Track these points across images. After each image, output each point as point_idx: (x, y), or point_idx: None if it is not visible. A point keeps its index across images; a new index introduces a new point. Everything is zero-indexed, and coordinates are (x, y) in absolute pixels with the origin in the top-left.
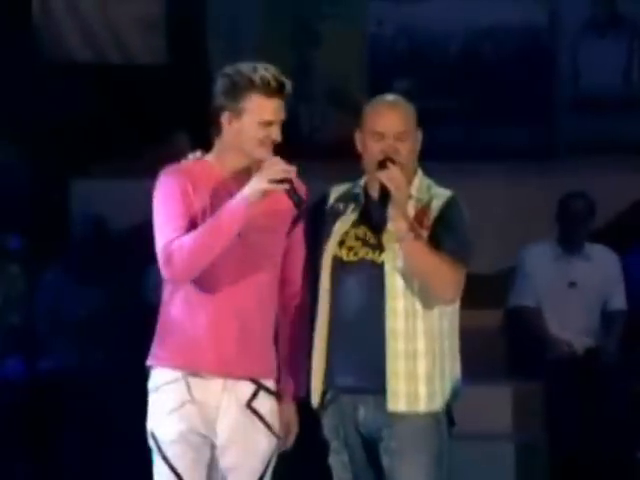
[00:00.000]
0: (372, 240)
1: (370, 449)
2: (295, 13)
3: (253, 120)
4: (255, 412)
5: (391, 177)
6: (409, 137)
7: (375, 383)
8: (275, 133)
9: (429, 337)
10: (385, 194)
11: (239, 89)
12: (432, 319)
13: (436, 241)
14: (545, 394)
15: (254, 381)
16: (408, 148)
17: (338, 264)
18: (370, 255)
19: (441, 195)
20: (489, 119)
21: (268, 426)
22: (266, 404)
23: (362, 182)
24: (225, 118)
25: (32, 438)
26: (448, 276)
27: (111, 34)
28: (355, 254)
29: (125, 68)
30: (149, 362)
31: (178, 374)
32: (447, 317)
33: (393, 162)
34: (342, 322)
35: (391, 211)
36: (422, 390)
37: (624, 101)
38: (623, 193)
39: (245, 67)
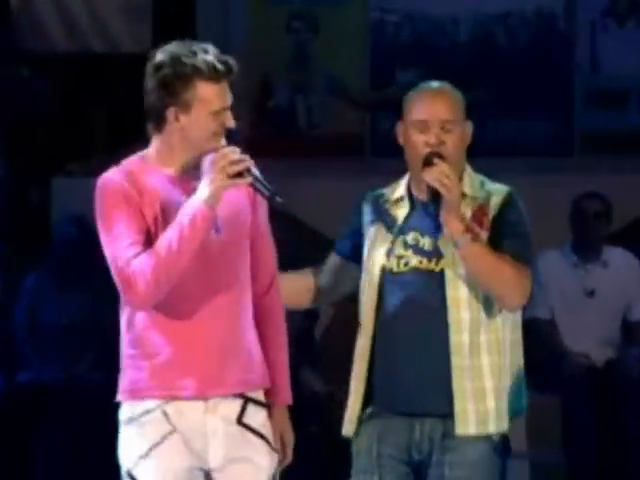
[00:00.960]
0: (426, 247)
1: (417, 473)
2: None
3: (204, 111)
4: (248, 427)
5: (438, 176)
6: (456, 127)
7: (437, 404)
8: (229, 120)
9: (493, 350)
10: (435, 195)
11: (183, 79)
12: (496, 330)
13: (496, 242)
14: (562, 409)
15: (240, 395)
16: (455, 140)
17: (387, 276)
18: (425, 264)
19: (498, 191)
20: (501, 113)
21: (266, 440)
22: (258, 417)
23: (404, 182)
24: (171, 114)
25: (10, 454)
26: (513, 280)
27: (94, 21)
28: (406, 264)
29: (109, 58)
30: (119, 398)
31: (152, 404)
32: (509, 327)
33: (440, 157)
34: (394, 340)
35: (443, 214)
36: (491, 408)
37: None
38: None
39: (181, 53)
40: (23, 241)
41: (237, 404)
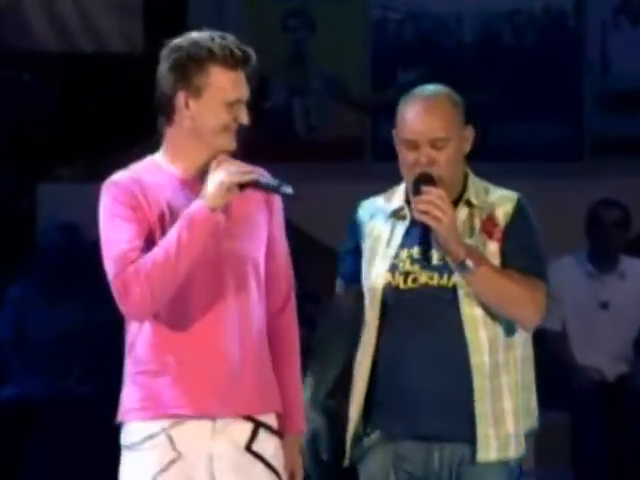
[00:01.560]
0: (435, 261)
1: None
2: None
3: (216, 99)
4: (258, 457)
5: (426, 207)
6: (449, 143)
7: (458, 427)
8: (243, 115)
9: (511, 369)
10: (426, 230)
11: (197, 62)
12: (513, 348)
13: (508, 257)
14: (571, 425)
15: (250, 418)
16: (450, 154)
17: (392, 293)
18: (436, 279)
19: (506, 199)
20: (507, 115)
21: (276, 473)
22: (269, 446)
23: (401, 190)
24: (180, 99)
25: None
26: (524, 299)
27: (82, 19)
28: (415, 280)
29: (98, 58)
30: (120, 418)
31: (157, 427)
32: (521, 343)
33: (430, 180)
34: (404, 360)
35: (439, 246)
36: (511, 432)
37: None
38: None
39: (199, 36)
40: (8, 249)
41: (247, 428)
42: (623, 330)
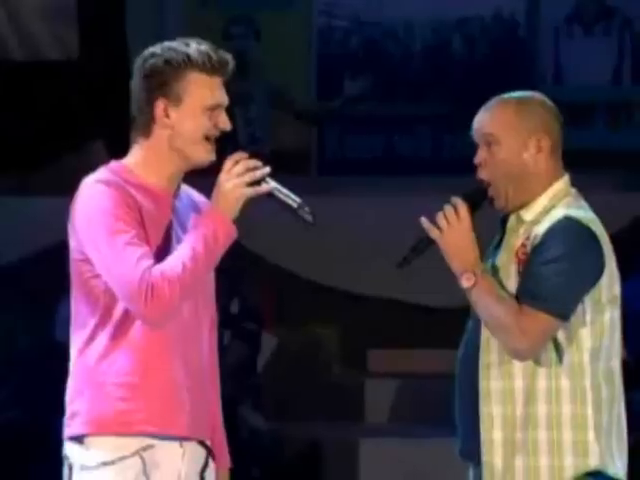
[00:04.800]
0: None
1: None
2: (229, 0)
3: (196, 105)
4: None
5: (437, 217)
6: (498, 143)
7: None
8: (224, 121)
9: (528, 399)
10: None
11: (175, 68)
12: (533, 377)
13: (520, 279)
14: None
15: (202, 443)
16: (498, 157)
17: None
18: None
19: (550, 218)
20: (457, 127)
21: None
22: (212, 475)
23: None
24: (159, 108)
25: None
26: (506, 325)
27: (14, 26)
28: None
29: (30, 65)
30: (79, 430)
31: (131, 446)
32: (544, 375)
33: (483, 195)
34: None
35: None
36: (519, 464)
37: (613, 107)
38: (610, 216)
39: (174, 43)
40: None
41: (202, 453)
42: None
